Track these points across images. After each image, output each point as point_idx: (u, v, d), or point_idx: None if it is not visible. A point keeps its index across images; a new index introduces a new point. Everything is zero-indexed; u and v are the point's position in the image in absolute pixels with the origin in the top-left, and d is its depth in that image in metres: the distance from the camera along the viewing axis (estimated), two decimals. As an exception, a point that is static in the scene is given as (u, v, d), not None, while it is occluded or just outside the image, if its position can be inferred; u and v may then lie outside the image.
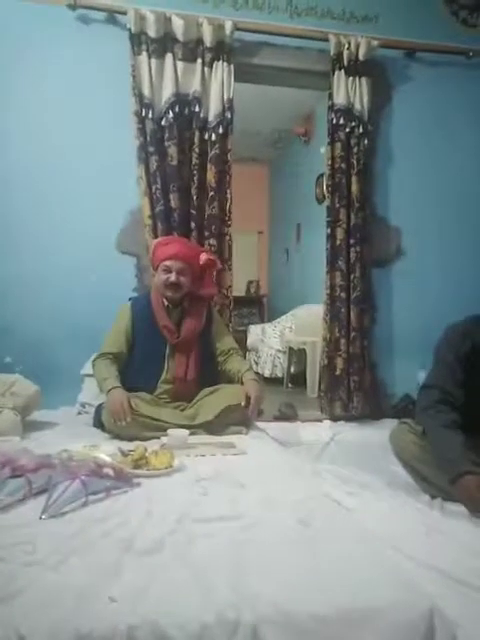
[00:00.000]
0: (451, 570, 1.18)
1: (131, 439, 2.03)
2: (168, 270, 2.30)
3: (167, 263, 2.31)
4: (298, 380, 4.25)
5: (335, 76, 2.84)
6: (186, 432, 1.99)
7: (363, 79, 2.86)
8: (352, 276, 2.86)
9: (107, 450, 1.70)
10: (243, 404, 2.20)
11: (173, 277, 2.29)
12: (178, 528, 1.25)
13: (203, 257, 2.35)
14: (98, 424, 2.21)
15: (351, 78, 2.85)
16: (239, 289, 5.73)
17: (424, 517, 1.50)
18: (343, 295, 2.86)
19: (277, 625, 0.92)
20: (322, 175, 4.70)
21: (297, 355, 4.28)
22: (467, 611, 1.02)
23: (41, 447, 1.70)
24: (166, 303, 2.34)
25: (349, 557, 1.17)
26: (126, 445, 1.84)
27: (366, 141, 2.88)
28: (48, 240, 2.68)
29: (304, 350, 4.08)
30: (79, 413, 2.55)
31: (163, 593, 0.97)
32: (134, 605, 0.92)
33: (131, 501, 1.42)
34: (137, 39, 2.60)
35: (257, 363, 4.73)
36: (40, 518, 1.28)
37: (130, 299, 2.48)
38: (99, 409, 2.23)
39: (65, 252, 2.69)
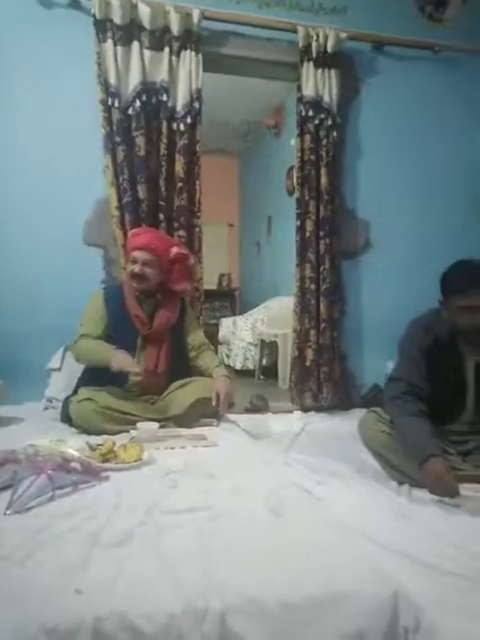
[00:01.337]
0: (418, 555, 1.20)
1: (100, 433, 2.00)
2: (134, 261, 2.28)
3: (134, 254, 2.29)
4: (270, 372, 4.26)
5: (304, 68, 2.84)
6: (156, 425, 1.98)
7: (332, 71, 2.86)
8: (321, 268, 2.87)
9: (75, 444, 1.68)
10: (214, 403, 2.20)
11: (137, 268, 2.27)
12: (147, 520, 1.24)
13: (174, 250, 2.33)
14: (66, 419, 2.17)
15: (320, 70, 2.85)
16: (210, 282, 5.70)
17: (392, 503, 1.53)
18: (313, 287, 2.88)
19: (245, 613, 0.92)
20: (292, 167, 4.73)
21: (269, 347, 4.30)
22: (433, 595, 1.04)
23: (6, 442, 1.67)
24: (137, 293, 2.32)
25: (317, 544, 1.18)
26: (94, 439, 1.82)
27: (335, 133, 2.89)
28: (12, 232, 2.61)
29: (276, 342, 4.09)
30: (46, 408, 2.50)
31: (131, 585, 0.96)
32: (101, 597, 0.92)
33: (99, 495, 1.40)
34: (102, 26, 2.54)
35: (228, 356, 4.72)
36: (5, 514, 1.25)
37: (103, 287, 2.45)
38: (66, 403, 2.20)
39: (30, 244, 2.62)
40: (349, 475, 1.80)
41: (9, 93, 2.59)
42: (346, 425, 2.43)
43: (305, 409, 2.84)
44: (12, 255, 2.61)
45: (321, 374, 2.89)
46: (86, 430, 2.06)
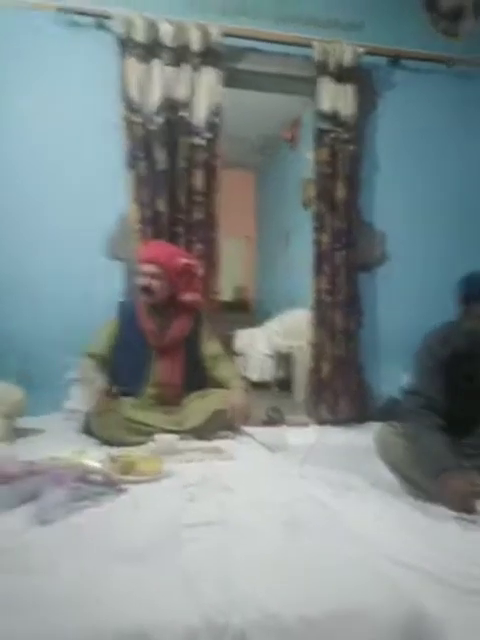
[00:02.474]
0: (435, 571, 1.19)
1: (119, 445, 2.03)
2: (142, 274, 2.31)
3: (141, 267, 2.32)
4: (286, 384, 4.27)
5: (320, 82, 2.88)
6: (175, 437, 2.00)
7: (348, 85, 2.90)
8: (337, 280, 2.89)
9: (95, 456, 1.69)
10: (229, 416, 2.21)
11: (144, 281, 2.29)
12: (166, 533, 1.25)
13: (181, 262, 2.33)
14: (86, 430, 2.20)
15: (336, 84, 2.88)
16: (227, 294, 5.74)
17: (408, 518, 1.52)
18: (329, 299, 2.88)
19: (265, 628, 0.93)
20: (308, 180, 4.76)
21: (285, 359, 4.30)
22: (451, 612, 1.03)
23: (28, 454, 1.69)
24: (148, 307, 2.35)
25: (335, 559, 1.18)
26: (114, 451, 1.84)
27: (351, 147, 2.91)
28: (37, 245, 2.67)
29: (291, 354, 4.10)
30: (66, 419, 2.54)
31: (150, 597, 0.97)
32: (121, 610, 0.93)
33: (119, 507, 1.42)
34: (125, 44, 2.61)
35: (245, 368, 4.74)
36: (29, 525, 1.27)
37: (119, 301, 2.49)
38: (87, 415, 2.23)
39: (54, 257, 2.68)
40: (365, 489, 1.79)
41: (35, 111, 2.66)
42: (362, 438, 2.42)
43: (321, 422, 2.84)
44: (35, 268, 2.66)
45: (337, 386, 2.89)
46: (106, 441, 2.08)
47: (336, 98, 2.89)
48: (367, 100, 3.03)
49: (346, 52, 2.86)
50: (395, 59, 3.06)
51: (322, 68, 2.86)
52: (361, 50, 2.90)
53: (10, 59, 2.62)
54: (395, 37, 3.03)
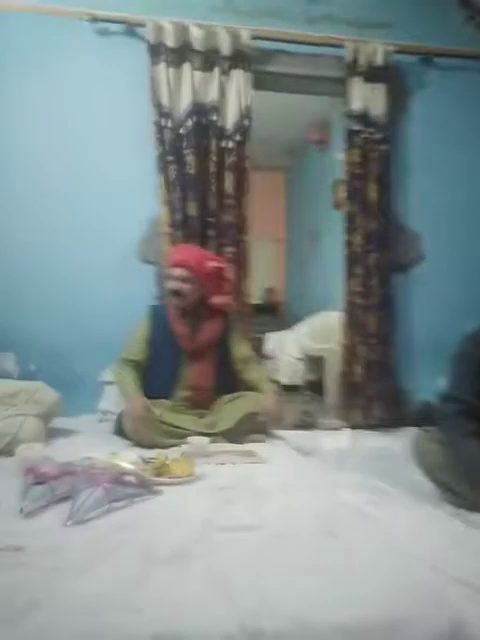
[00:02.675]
0: (477, 581, 1.15)
1: (152, 447, 2.04)
2: (172, 277, 2.32)
3: (171, 271, 2.33)
4: (317, 388, 4.22)
5: (351, 82, 2.85)
6: (206, 440, 2.00)
7: (379, 85, 2.86)
8: (370, 282, 2.84)
9: (128, 457, 1.70)
10: (261, 419, 2.20)
11: (174, 285, 2.30)
12: (201, 537, 1.25)
13: (211, 265, 2.34)
14: (119, 432, 2.22)
15: (367, 84, 2.85)
16: (256, 297, 5.72)
17: (447, 527, 1.47)
18: (361, 301, 2.85)
19: (301, 636, 0.91)
20: (339, 181, 4.72)
21: (315, 362, 4.26)
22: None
23: (63, 454, 1.71)
24: (179, 310, 2.36)
25: (372, 567, 1.16)
26: (147, 453, 1.85)
27: (383, 147, 2.87)
28: (71, 249, 2.72)
29: (322, 357, 4.05)
30: (100, 421, 2.58)
31: (187, 602, 0.97)
32: (158, 614, 0.93)
33: (153, 509, 1.42)
34: (155, 50, 2.64)
35: (275, 371, 4.70)
36: (65, 525, 1.29)
37: (150, 305, 2.51)
38: (120, 417, 2.25)
39: (85, 261, 2.72)
40: (402, 496, 1.74)
41: (68, 118, 2.71)
42: (397, 443, 2.37)
43: (354, 426, 2.79)
44: (67, 271, 2.71)
45: (371, 390, 2.84)
46: (139, 443, 2.10)
47: (367, 98, 2.86)
48: (399, 99, 2.98)
49: (377, 51, 2.83)
50: (427, 57, 3.00)
51: (353, 68, 2.84)
52: (392, 49, 2.86)
53: (42, 67, 2.68)
54: (427, 34, 2.98)
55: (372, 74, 2.84)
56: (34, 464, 1.51)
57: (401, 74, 3.00)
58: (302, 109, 4.78)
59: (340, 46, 2.85)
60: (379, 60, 2.82)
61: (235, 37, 2.69)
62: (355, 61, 2.83)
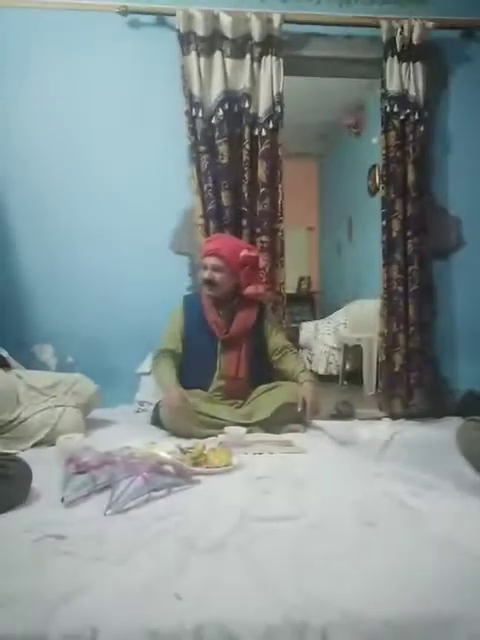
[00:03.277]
0: None
1: (189, 436, 2.04)
2: (205, 267, 2.31)
3: (204, 260, 2.33)
4: (353, 377, 4.16)
5: (387, 63, 2.75)
6: (243, 430, 1.99)
7: (417, 64, 2.75)
8: (410, 269, 2.76)
9: (166, 447, 1.71)
10: (299, 409, 2.17)
11: (207, 274, 2.30)
12: (240, 527, 1.24)
13: (242, 253, 2.31)
14: (156, 422, 2.24)
15: (405, 64, 2.74)
16: (290, 286, 5.67)
17: (495, 519, 1.42)
18: (401, 289, 2.77)
19: (347, 629, 0.89)
20: (374, 166, 4.60)
21: (352, 352, 4.19)
22: None
23: (102, 444, 1.73)
24: (212, 299, 2.35)
25: (418, 561, 1.12)
26: (184, 442, 1.86)
27: (422, 128, 2.77)
28: (103, 241, 2.74)
29: (359, 346, 3.99)
30: (137, 411, 2.60)
31: (228, 593, 0.96)
32: (200, 604, 0.92)
33: (192, 499, 1.42)
34: (186, 39, 2.61)
35: (311, 361, 4.66)
36: (105, 514, 1.30)
37: (184, 295, 2.52)
38: (157, 407, 2.27)
39: (120, 253, 2.74)
40: (446, 487, 1.69)
41: (99, 111, 2.72)
42: (440, 433, 2.31)
43: (394, 416, 2.73)
44: (101, 264, 2.73)
45: (411, 379, 2.77)
46: (175, 433, 2.11)
47: (404, 78, 2.75)
48: (438, 78, 2.87)
49: (414, 28, 2.72)
50: (468, 31, 2.87)
51: (389, 47, 2.74)
52: (430, 25, 2.74)
53: (74, 61, 2.69)
54: (468, 7, 2.84)
55: (409, 53, 2.73)
56: (75, 454, 1.53)
57: (440, 51, 2.88)
58: (335, 93, 4.68)
59: (375, 26, 2.75)
60: (417, 38, 2.71)
61: (266, 22, 2.64)
62: (391, 40, 2.73)
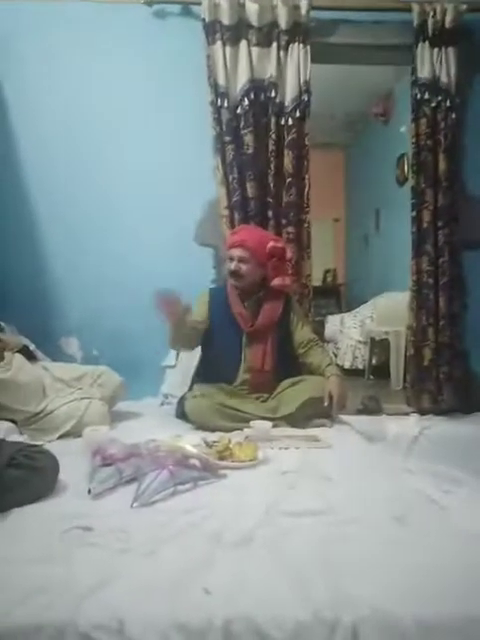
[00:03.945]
0: None
1: (214, 430, 2.03)
2: (231, 258, 2.29)
3: (230, 251, 2.30)
4: (380, 372, 4.09)
5: (418, 48, 2.66)
6: (269, 424, 1.97)
7: (450, 49, 2.66)
8: (440, 260, 2.69)
9: (191, 440, 1.71)
10: (325, 403, 2.14)
11: (233, 265, 2.27)
12: (267, 521, 1.23)
13: (269, 245, 2.28)
14: (181, 415, 2.23)
15: (436, 49, 2.66)
16: (316, 278, 5.61)
17: None
18: (431, 281, 2.70)
19: (379, 628, 0.87)
20: (403, 155, 4.50)
21: (379, 345, 4.12)
22: None
23: (128, 436, 1.73)
24: (238, 291, 2.33)
25: (450, 559, 1.10)
26: (210, 436, 1.85)
27: (454, 115, 2.68)
28: (129, 234, 2.74)
29: (386, 340, 3.92)
30: (162, 404, 2.61)
31: (257, 588, 0.95)
32: (228, 599, 0.91)
33: (218, 493, 1.42)
34: (211, 28, 2.57)
35: (336, 354, 4.61)
36: (131, 506, 1.30)
37: (210, 287, 2.50)
38: (182, 400, 2.26)
39: (145, 245, 2.74)
40: (476, 484, 1.65)
41: (124, 101, 2.71)
42: (470, 429, 2.26)
43: (422, 411, 2.67)
44: (127, 257, 2.73)
45: (440, 374, 2.70)
46: (200, 426, 2.11)
47: (436, 64, 2.67)
48: (471, 63, 2.77)
49: (447, 12, 2.63)
50: (504, 13, 2.76)
51: (420, 32, 2.65)
52: (464, 7, 2.65)
53: (100, 53, 2.68)
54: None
55: (441, 38, 2.65)
56: (101, 446, 1.53)
57: (473, 35, 2.78)
58: (363, 81, 4.57)
59: (406, 10, 2.67)
60: (449, 21, 2.63)
61: (293, 9, 2.59)
62: (423, 25, 2.65)
